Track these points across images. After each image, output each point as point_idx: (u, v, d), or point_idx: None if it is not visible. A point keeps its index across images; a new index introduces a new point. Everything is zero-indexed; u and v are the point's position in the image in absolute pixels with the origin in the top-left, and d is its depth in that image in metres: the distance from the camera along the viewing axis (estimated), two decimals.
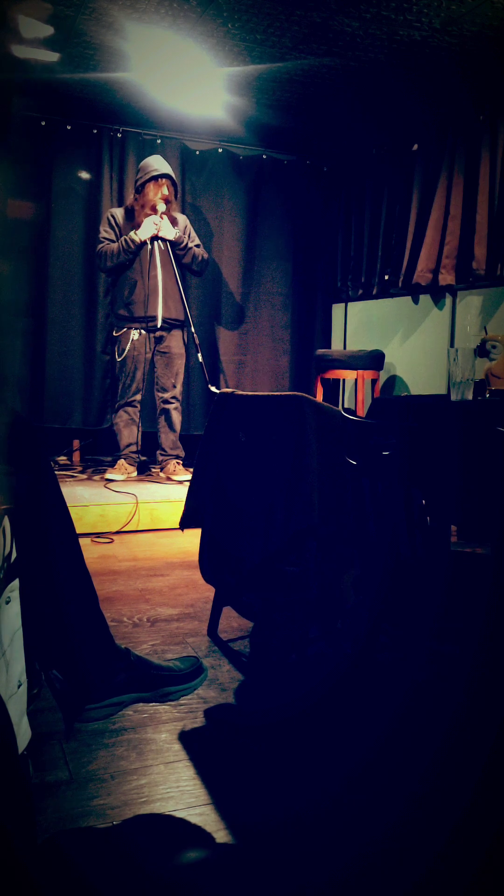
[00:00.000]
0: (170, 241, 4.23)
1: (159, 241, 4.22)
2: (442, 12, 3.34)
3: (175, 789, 1.41)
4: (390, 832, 1.30)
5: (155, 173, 4.18)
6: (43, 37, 3.66)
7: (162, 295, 4.23)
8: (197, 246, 4.38)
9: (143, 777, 1.45)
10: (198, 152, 5.11)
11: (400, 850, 1.25)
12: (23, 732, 1.19)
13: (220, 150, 5.14)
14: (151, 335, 4.28)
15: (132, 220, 4.25)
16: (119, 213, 4.33)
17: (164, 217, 4.21)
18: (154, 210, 4.15)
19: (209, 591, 2.53)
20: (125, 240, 4.16)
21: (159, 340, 4.31)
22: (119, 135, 4.87)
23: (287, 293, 5.45)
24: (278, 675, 1.97)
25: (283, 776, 1.48)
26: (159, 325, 4.24)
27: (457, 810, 1.35)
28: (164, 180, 4.18)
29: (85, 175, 4.83)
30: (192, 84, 4.22)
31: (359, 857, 1.23)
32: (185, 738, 1.61)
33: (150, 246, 4.21)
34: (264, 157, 5.30)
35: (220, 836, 1.28)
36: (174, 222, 4.28)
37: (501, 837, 1.25)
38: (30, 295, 4.71)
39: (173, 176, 4.25)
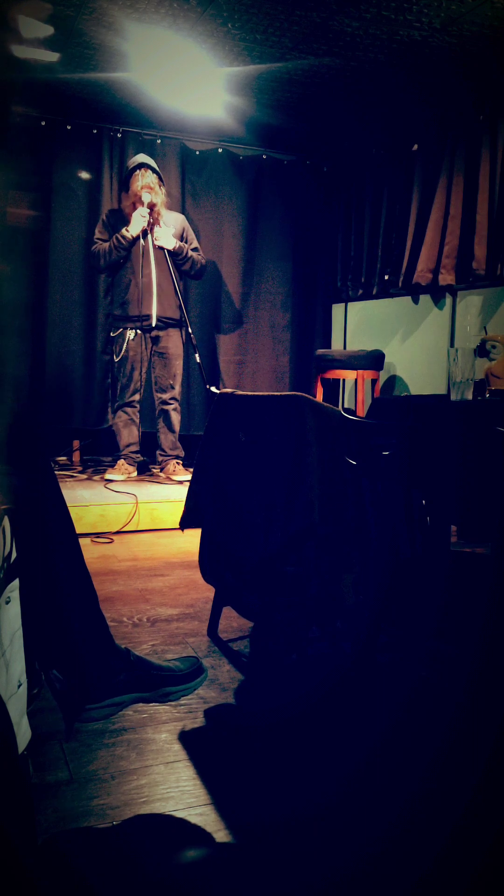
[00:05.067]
0: (169, 251, 4.21)
1: (153, 239, 4.20)
2: (442, 12, 3.34)
3: (175, 789, 1.41)
4: (390, 832, 1.30)
5: (133, 164, 4.18)
6: (43, 37, 3.66)
7: (156, 293, 4.21)
8: (195, 250, 4.36)
9: (143, 777, 1.45)
10: (198, 152, 5.11)
11: (400, 850, 1.25)
12: (23, 732, 1.19)
13: (220, 150, 5.14)
14: (148, 335, 4.28)
15: (122, 217, 4.25)
16: (114, 213, 4.33)
17: (163, 226, 4.19)
18: (141, 202, 4.14)
19: (209, 591, 2.53)
20: (117, 236, 4.15)
21: (156, 341, 4.31)
22: (119, 135, 4.87)
23: (287, 293, 5.45)
24: (278, 675, 1.97)
25: (284, 776, 1.48)
26: (154, 325, 4.23)
27: (457, 810, 1.35)
28: (143, 169, 4.16)
29: (85, 175, 4.83)
30: (192, 84, 4.22)
31: (359, 857, 1.23)
32: (185, 738, 1.61)
33: (143, 243, 4.19)
34: (264, 157, 5.30)
35: (220, 836, 1.28)
36: (158, 215, 4.23)
37: (501, 837, 1.25)
38: (30, 295, 4.71)
39: (152, 164, 4.21)
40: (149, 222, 4.15)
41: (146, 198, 4.12)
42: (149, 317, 4.21)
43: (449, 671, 1.93)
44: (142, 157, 4.23)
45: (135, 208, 4.14)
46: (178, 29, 3.54)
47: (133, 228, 4.12)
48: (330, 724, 1.70)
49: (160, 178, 4.25)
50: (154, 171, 4.20)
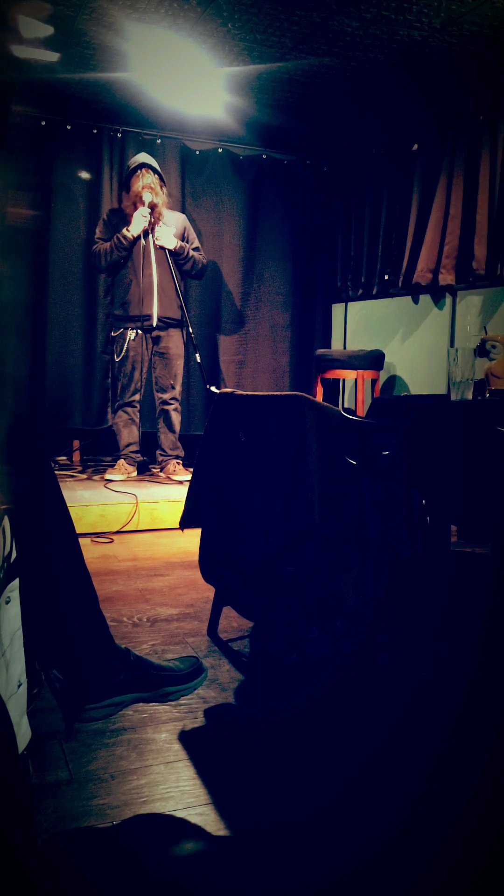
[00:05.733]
0: (170, 251, 4.20)
1: (154, 239, 4.20)
2: (442, 12, 3.34)
3: (175, 789, 1.41)
4: (390, 832, 1.30)
5: (134, 164, 4.18)
6: (43, 37, 3.66)
7: (157, 293, 4.21)
8: (196, 249, 4.36)
9: (143, 777, 1.45)
10: (198, 152, 5.11)
11: (400, 850, 1.25)
12: (23, 732, 1.19)
13: (220, 150, 5.14)
14: (149, 335, 4.28)
15: (123, 217, 4.25)
16: (115, 213, 4.33)
17: (163, 226, 4.19)
18: (142, 202, 4.14)
19: (209, 591, 2.53)
20: (117, 236, 4.14)
21: (157, 341, 4.31)
22: (119, 135, 4.87)
23: (287, 293, 5.45)
24: (278, 675, 1.97)
25: (283, 776, 1.48)
26: (155, 325, 4.23)
27: (457, 810, 1.35)
28: (144, 170, 4.16)
29: (85, 175, 4.83)
30: (192, 84, 4.22)
31: (359, 857, 1.23)
32: (185, 738, 1.61)
33: (143, 242, 4.19)
34: (264, 157, 5.30)
35: (220, 835, 1.28)
36: (159, 215, 4.22)
37: (501, 837, 1.25)
38: (30, 295, 4.71)
39: (154, 165, 4.21)
40: (150, 222, 4.15)
41: (147, 198, 4.11)
42: (149, 317, 4.21)
43: (449, 671, 1.93)
44: (143, 157, 4.22)
45: (136, 208, 4.14)
46: (178, 29, 3.54)
47: (134, 228, 4.12)
48: (330, 724, 1.70)
49: (161, 179, 4.24)
50: (155, 171, 4.20)
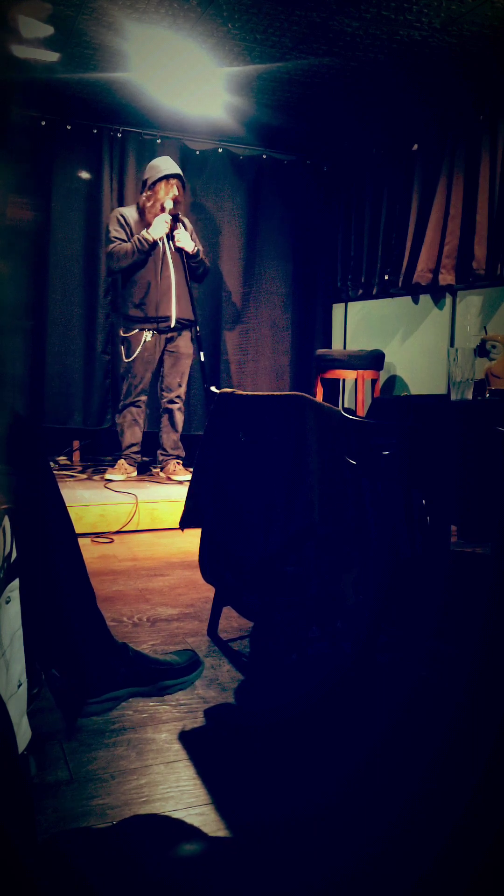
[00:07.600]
0: (187, 253, 4.22)
1: (171, 242, 4.22)
2: (442, 12, 3.34)
3: (175, 789, 1.41)
4: (390, 832, 1.30)
5: (167, 172, 4.19)
6: (43, 37, 3.66)
7: (175, 295, 4.24)
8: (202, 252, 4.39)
9: (143, 777, 1.45)
10: (198, 152, 5.11)
11: (400, 850, 1.25)
12: (23, 732, 1.19)
13: (220, 150, 5.14)
14: (163, 336, 4.30)
15: (143, 219, 4.26)
16: (128, 212, 4.31)
17: (181, 227, 4.21)
18: (163, 209, 4.16)
19: (209, 591, 2.53)
20: (138, 239, 4.16)
21: (170, 341, 4.33)
22: (119, 135, 4.87)
23: (287, 293, 5.45)
24: (278, 675, 1.97)
25: (283, 776, 1.48)
26: (172, 325, 4.25)
27: (457, 810, 1.35)
28: (174, 180, 4.19)
29: (85, 175, 4.83)
30: (192, 84, 4.22)
31: (359, 857, 1.23)
32: (185, 738, 1.61)
33: (161, 246, 4.21)
34: (264, 157, 5.30)
35: (220, 835, 1.28)
36: (183, 226, 4.29)
37: (501, 837, 1.25)
38: (30, 295, 4.72)
39: (183, 177, 4.25)
40: (170, 227, 4.17)
41: (168, 205, 4.15)
42: (168, 318, 4.23)
43: (449, 671, 1.93)
44: (174, 168, 4.20)
45: (157, 213, 4.16)
46: (178, 29, 3.54)
47: (154, 232, 4.13)
48: (330, 724, 1.70)
49: (184, 186, 4.29)
50: (183, 184, 4.23)
